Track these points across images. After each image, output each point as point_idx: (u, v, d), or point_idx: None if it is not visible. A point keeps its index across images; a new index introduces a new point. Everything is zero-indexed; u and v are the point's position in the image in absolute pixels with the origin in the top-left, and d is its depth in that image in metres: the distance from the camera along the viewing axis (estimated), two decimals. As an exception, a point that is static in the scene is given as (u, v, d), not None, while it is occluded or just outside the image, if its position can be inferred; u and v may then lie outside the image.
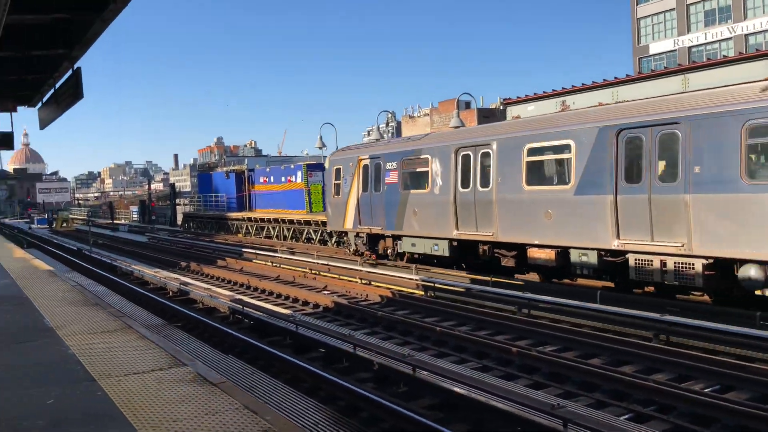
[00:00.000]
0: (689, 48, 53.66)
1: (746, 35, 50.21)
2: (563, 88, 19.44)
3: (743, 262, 10.28)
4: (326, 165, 23.32)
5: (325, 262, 19.65)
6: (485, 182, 15.36)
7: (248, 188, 42.30)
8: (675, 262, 11.05)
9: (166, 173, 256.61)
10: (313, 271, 19.19)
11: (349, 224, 20.66)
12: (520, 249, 14.52)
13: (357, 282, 16.97)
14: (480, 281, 14.81)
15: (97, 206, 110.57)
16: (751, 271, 10.16)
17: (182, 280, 18.02)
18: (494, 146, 15.02)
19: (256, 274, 19.75)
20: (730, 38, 51.14)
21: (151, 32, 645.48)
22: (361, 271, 17.71)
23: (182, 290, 16.04)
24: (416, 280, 15.58)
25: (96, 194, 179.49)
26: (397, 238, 18.65)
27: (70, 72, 10.13)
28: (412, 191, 17.83)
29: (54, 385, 5.46)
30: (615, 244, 11.97)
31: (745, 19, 50.51)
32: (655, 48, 56.51)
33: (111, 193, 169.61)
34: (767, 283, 10.17)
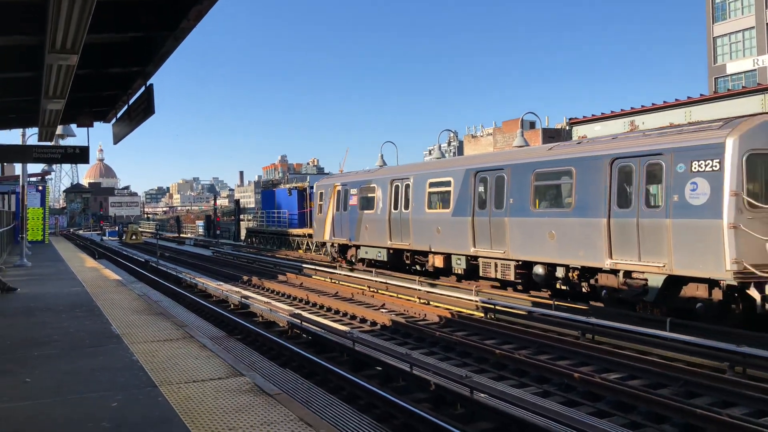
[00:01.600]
0: (769, 67, 51.33)
1: (831, 54, 47.63)
2: (632, 108, 18.89)
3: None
4: (315, 189, 28.84)
5: (384, 280, 19.63)
6: (406, 206, 21.13)
7: (309, 205, 42.95)
8: (496, 263, 16.71)
9: (231, 189, 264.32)
10: (372, 289, 19.18)
11: (327, 236, 26.71)
12: (426, 255, 20.23)
13: (415, 301, 16.84)
14: (542, 304, 14.42)
15: (165, 220, 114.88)
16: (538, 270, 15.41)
17: (243, 293, 18.33)
18: (411, 180, 20.97)
19: (315, 290, 19.91)
20: (815, 57, 48.63)
21: (221, 51, 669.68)
22: (419, 290, 17.59)
23: (243, 303, 16.31)
24: (476, 301, 15.33)
25: (164, 209, 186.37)
26: (357, 247, 24.51)
27: (143, 89, 10.53)
28: (365, 211, 23.59)
29: (118, 390, 5.60)
30: (471, 251, 17.51)
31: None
32: (732, 68, 54.28)
33: (178, 208, 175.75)
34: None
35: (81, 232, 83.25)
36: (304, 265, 25.97)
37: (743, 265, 10.69)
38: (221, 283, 21.69)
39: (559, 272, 14.73)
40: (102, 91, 11.76)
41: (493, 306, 14.69)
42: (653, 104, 17.73)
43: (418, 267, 21.21)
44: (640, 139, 13.29)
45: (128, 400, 5.28)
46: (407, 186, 21.32)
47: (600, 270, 13.51)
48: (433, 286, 18.31)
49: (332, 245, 26.97)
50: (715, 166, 11.28)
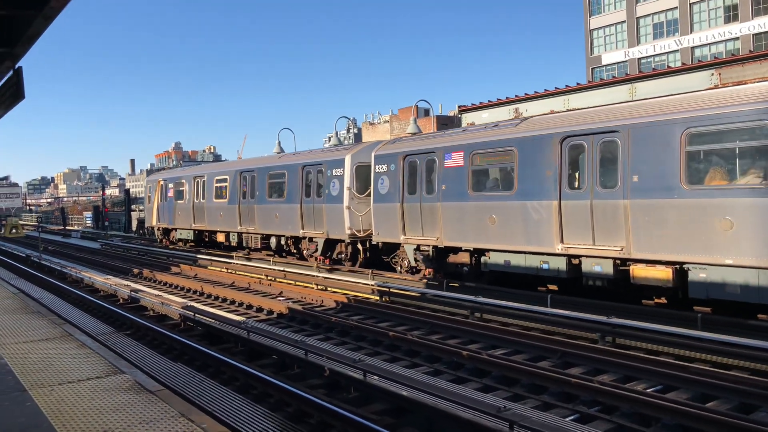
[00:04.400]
0: (639, 59, 55.41)
1: (692, 48, 52.12)
2: (516, 96, 19.78)
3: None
4: (145, 184, 34.39)
5: (281, 269, 19.47)
6: (203, 197, 27.46)
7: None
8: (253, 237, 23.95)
9: (122, 179, 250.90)
10: (269, 278, 18.99)
11: (154, 222, 32.83)
12: (215, 234, 26.95)
13: (313, 288, 16.86)
14: (434, 285, 14.88)
15: (49, 212, 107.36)
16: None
17: (134, 287, 17.58)
18: (206, 177, 27.14)
19: (210, 281, 19.45)
20: (677, 50, 53.03)
21: (96, 36, 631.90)
22: (317, 276, 17.62)
23: (133, 297, 15.65)
24: (372, 285, 15.57)
25: (49, 200, 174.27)
26: (174, 229, 31.09)
27: (11, 72, 9.78)
28: (178, 201, 29.92)
29: (-19, 397, 5.23)
30: (238, 229, 24.08)
31: (691, 32, 52.40)
32: (607, 59, 58.15)
33: (65, 199, 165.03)
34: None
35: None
36: (199, 256, 25.24)
37: (353, 230, 18.89)
38: (110, 276, 20.66)
39: None
40: (-36, 74, 10.80)
41: (388, 289, 14.97)
42: (536, 92, 18.72)
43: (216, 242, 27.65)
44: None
45: (-7, 407, 4.95)
46: (204, 182, 27.47)
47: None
48: (331, 271, 18.40)
49: (158, 229, 32.98)
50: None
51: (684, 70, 15.68)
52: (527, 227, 13.03)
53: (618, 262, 11.66)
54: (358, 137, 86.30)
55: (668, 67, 22.94)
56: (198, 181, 28.20)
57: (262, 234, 23.52)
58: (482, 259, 14.47)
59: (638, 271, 11.30)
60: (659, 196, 10.83)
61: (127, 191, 64.91)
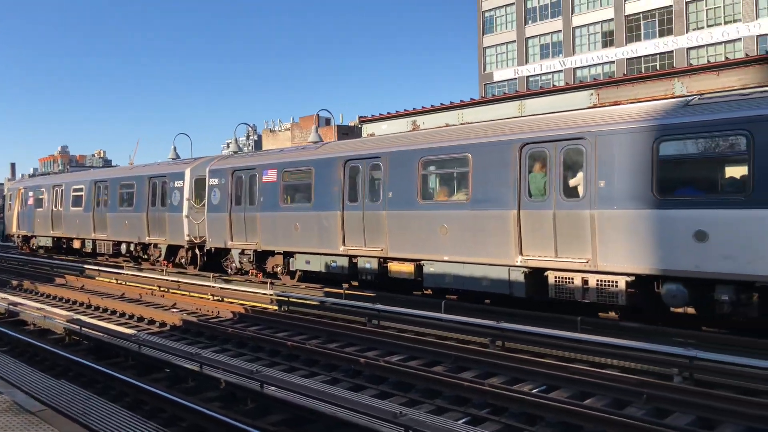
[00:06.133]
0: (527, 77, 58.66)
1: (574, 69, 55.98)
2: (414, 109, 20.39)
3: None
4: (5, 192, 36.28)
5: (176, 279, 18.86)
6: (61, 205, 28.81)
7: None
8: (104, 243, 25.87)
9: (0, 183, 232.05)
10: (162, 288, 18.34)
11: (14, 229, 34.19)
12: (72, 240, 28.41)
13: (209, 298, 16.46)
14: (334, 294, 14.99)
15: None
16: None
17: (12, 300, 16.43)
18: (64, 186, 28.60)
19: (98, 292, 18.50)
20: (561, 71, 56.64)
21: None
22: (213, 287, 17.23)
23: (11, 311, 14.61)
24: (270, 294, 15.43)
25: None
26: (35, 236, 31.74)
27: None
28: (38, 209, 30.97)
29: None
30: (92, 236, 25.95)
31: (574, 54, 56.19)
32: (498, 76, 61.22)
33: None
34: None
35: None
36: (87, 266, 23.91)
37: (191, 237, 21.11)
38: (-17, 290, 19.15)
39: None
40: None
41: (287, 298, 14.91)
42: (432, 105, 19.36)
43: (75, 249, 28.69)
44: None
45: None
46: (62, 191, 28.87)
47: None
48: (227, 282, 18.05)
49: (18, 236, 34.13)
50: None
51: (567, 89, 16.81)
52: (320, 233, 15.91)
53: (381, 260, 14.59)
54: (258, 144, 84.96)
55: (553, 85, 24.44)
56: (57, 190, 29.51)
57: (114, 241, 25.29)
58: (290, 260, 17.24)
59: (393, 266, 14.35)
60: (405, 208, 14.00)
61: (4, 197, 60.24)
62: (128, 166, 29.00)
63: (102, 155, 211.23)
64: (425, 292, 15.06)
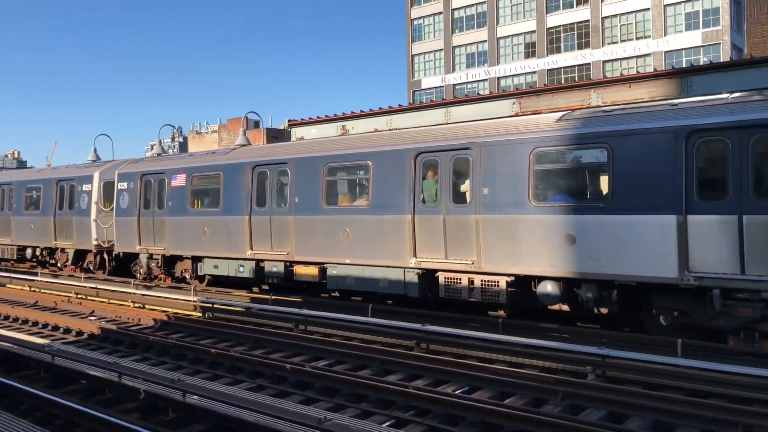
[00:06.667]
0: (454, 85, 60.14)
1: (498, 78, 57.81)
2: (344, 114, 20.45)
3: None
4: None
5: (94, 285, 18.13)
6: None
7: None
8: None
9: None
10: (80, 296, 17.57)
11: None
12: None
13: (129, 306, 15.91)
14: (260, 300, 14.82)
15: None
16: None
17: None
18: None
19: (8, 301, 17.51)
20: (486, 80, 58.35)
21: None
22: (134, 294, 16.67)
23: None
24: (194, 301, 15.09)
25: None
26: None
27: None
28: None
29: None
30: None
31: (498, 64, 58.00)
32: (426, 83, 62.40)
33: None
34: None
35: None
36: (-5, 273, 22.59)
37: (99, 241, 20.77)
38: None
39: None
40: None
41: (211, 305, 14.63)
42: (361, 111, 19.53)
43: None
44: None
45: None
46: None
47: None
48: (149, 288, 17.51)
49: None
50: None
51: (491, 98, 17.35)
52: (228, 237, 16.08)
53: (287, 264, 14.95)
54: (183, 147, 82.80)
55: (478, 94, 25.13)
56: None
57: (18, 245, 24.67)
58: (198, 264, 17.26)
59: (298, 269, 14.77)
60: (310, 213, 14.31)
61: None
62: (35, 169, 28.09)
63: (16, 156, 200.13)
64: (332, 294, 15.52)
